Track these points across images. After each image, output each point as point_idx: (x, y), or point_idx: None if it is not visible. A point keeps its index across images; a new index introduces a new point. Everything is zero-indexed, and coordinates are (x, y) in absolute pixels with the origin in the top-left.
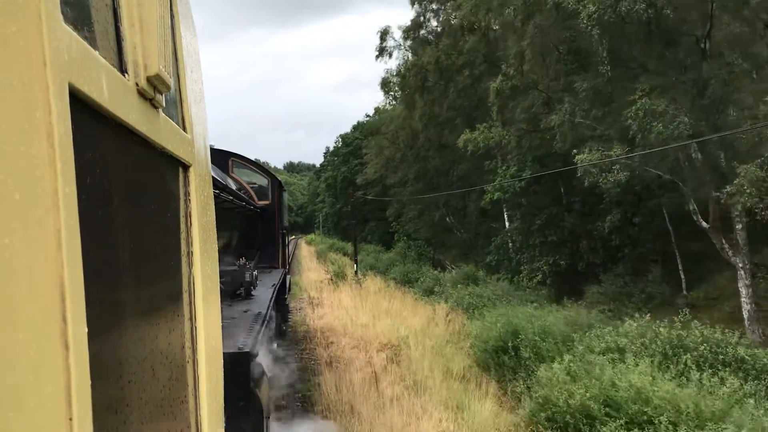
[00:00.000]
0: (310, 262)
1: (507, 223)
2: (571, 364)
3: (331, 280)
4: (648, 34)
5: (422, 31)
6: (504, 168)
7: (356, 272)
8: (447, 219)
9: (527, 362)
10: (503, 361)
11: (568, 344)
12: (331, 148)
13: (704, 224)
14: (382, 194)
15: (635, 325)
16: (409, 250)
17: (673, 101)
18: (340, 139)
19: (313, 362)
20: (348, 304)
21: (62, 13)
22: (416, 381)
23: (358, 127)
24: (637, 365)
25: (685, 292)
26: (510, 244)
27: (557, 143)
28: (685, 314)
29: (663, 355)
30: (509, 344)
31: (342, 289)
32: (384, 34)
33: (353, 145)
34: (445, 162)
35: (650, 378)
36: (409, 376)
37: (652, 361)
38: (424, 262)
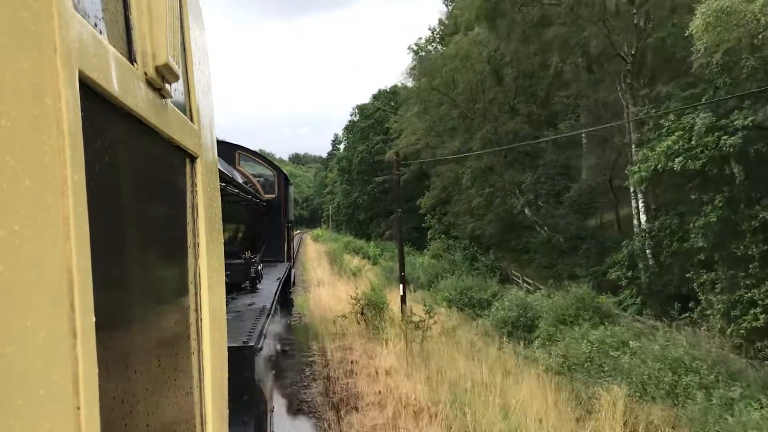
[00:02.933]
0: (319, 268)
1: (642, 218)
2: None
3: (362, 314)
4: None
5: None
6: (675, 120)
7: (403, 299)
8: (526, 211)
9: None
10: None
11: None
12: (340, 136)
13: None
14: (419, 175)
15: None
16: (449, 251)
17: None
18: (356, 111)
19: None
20: (419, 400)
21: (73, 0)
22: None
23: (379, 96)
24: None
25: None
26: (648, 252)
27: None
28: None
29: None
30: None
31: (389, 341)
32: None
33: (374, 118)
34: (523, 124)
35: None
36: None
37: None
38: (486, 274)
